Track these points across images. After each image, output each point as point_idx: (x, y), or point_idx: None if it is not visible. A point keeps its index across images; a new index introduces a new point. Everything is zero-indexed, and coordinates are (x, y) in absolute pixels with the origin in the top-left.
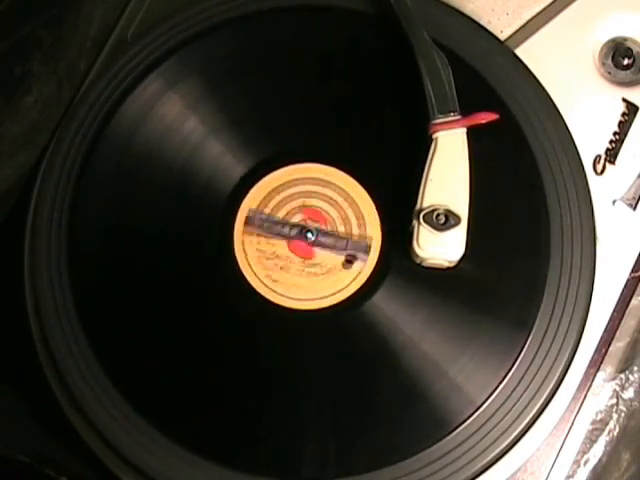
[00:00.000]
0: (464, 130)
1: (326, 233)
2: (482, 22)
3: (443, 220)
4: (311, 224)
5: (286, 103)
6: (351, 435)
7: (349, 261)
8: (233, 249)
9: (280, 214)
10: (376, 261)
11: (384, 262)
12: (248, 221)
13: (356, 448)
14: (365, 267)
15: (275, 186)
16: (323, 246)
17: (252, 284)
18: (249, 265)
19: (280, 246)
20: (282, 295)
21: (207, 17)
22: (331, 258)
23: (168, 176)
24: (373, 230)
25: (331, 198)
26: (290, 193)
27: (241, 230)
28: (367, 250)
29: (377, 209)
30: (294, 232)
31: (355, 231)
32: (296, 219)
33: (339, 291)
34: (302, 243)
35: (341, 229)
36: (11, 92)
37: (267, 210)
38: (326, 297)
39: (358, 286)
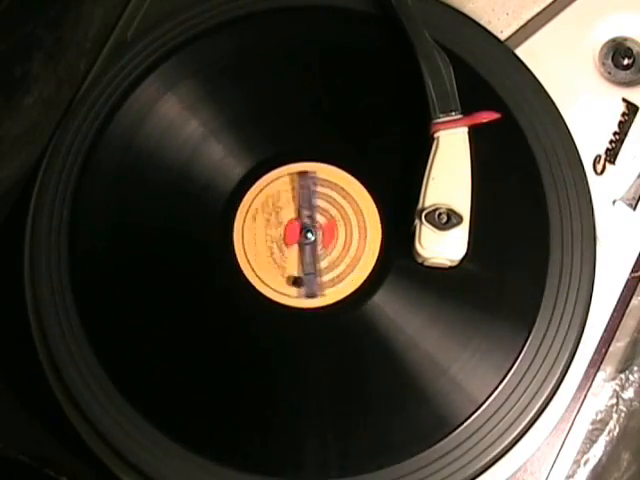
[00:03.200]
0: (465, 129)
1: (315, 251)
2: (482, 22)
3: (445, 219)
4: (319, 234)
5: (286, 103)
6: (351, 435)
7: (295, 282)
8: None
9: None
10: (376, 261)
11: (385, 261)
12: (303, 174)
13: (356, 448)
14: (294, 299)
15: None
16: (301, 252)
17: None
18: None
19: (288, 211)
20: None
21: (207, 18)
22: (292, 263)
23: (168, 176)
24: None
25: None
26: (328, 194)
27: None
28: (311, 295)
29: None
30: (305, 220)
31: (327, 277)
32: (319, 219)
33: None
34: (297, 231)
35: (323, 263)
36: (11, 92)
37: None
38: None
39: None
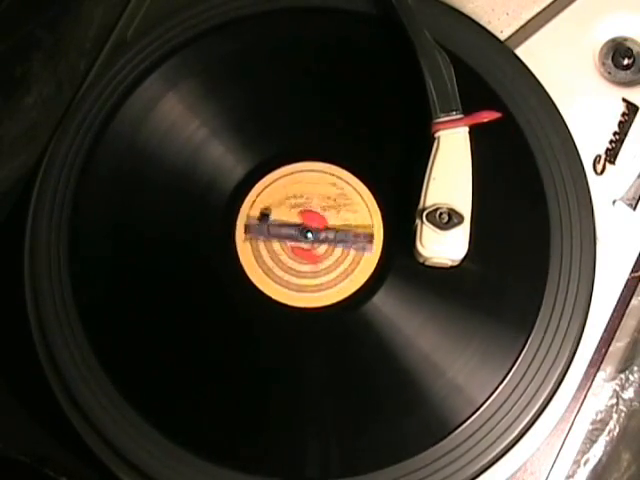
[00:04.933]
0: (466, 129)
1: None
2: (482, 22)
3: (446, 219)
4: (310, 224)
5: (287, 103)
6: (351, 435)
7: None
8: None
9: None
10: (377, 261)
11: (385, 262)
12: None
13: (356, 448)
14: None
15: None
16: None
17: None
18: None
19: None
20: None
21: (207, 18)
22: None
23: (168, 176)
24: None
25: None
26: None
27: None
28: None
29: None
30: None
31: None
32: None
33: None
34: (305, 247)
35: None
36: (11, 92)
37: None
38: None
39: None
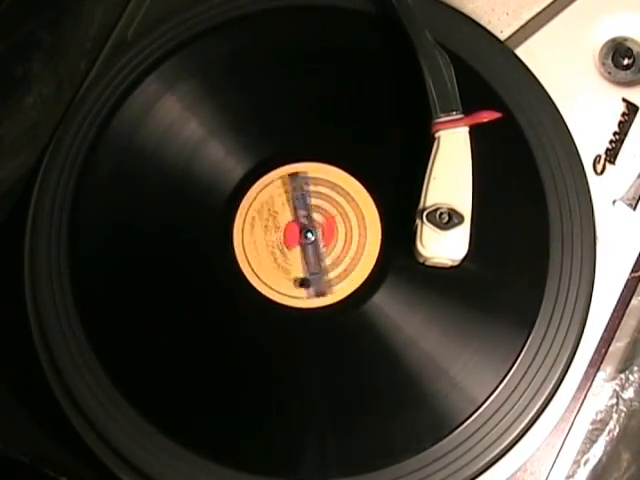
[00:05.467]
0: (466, 129)
1: (317, 250)
2: (482, 22)
3: (446, 219)
4: (319, 233)
5: (286, 103)
6: (351, 435)
7: (302, 284)
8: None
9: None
10: (376, 260)
11: (385, 261)
12: (294, 176)
13: (356, 448)
14: (304, 300)
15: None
16: (304, 253)
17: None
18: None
19: (285, 215)
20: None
21: (207, 18)
22: (297, 265)
23: (168, 176)
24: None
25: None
26: (323, 191)
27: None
28: (320, 294)
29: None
30: (303, 221)
31: (332, 274)
32: (317, 218)
33: (289, 297)
34: (297, 233)
35: (328, 260)
36: (11, 92)
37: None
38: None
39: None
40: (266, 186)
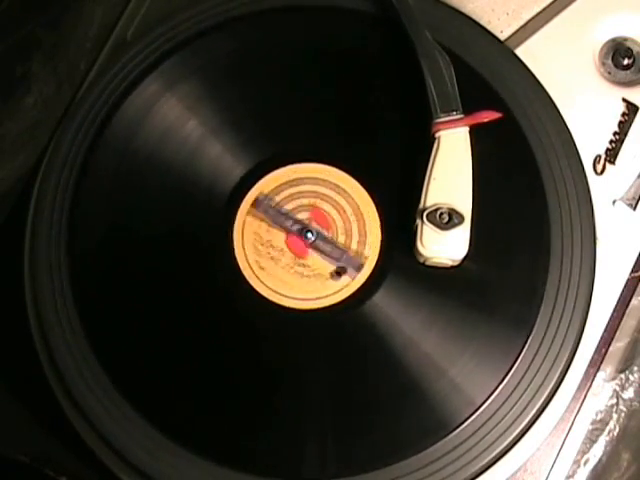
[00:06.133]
0: (467, 129)
1: (325, 239)
2: (482, 22)
3: (447, 219)
4: (314, 225)
5: (286, 103)
6: (351, 435)
7: (338, 273)
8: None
9: (288, 207)
10: (376, 261)
11: (384, 262)
12: (256, 204)
13: (356, 448)
14: (353, 282)
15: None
16: (319, 250)
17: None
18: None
19: (278, 236)
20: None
21: (207, 17)
22: (322, 264)
23: (168, 176)
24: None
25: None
26: (290, 193)
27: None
28: (359, 268)
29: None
30: (295, 228)
31: (354, 245)
32: (302, 216)
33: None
34: (300, 241)
35: (341, 238)
36: (11, 92)
37: (276, 199)
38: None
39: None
40: (244, 227)
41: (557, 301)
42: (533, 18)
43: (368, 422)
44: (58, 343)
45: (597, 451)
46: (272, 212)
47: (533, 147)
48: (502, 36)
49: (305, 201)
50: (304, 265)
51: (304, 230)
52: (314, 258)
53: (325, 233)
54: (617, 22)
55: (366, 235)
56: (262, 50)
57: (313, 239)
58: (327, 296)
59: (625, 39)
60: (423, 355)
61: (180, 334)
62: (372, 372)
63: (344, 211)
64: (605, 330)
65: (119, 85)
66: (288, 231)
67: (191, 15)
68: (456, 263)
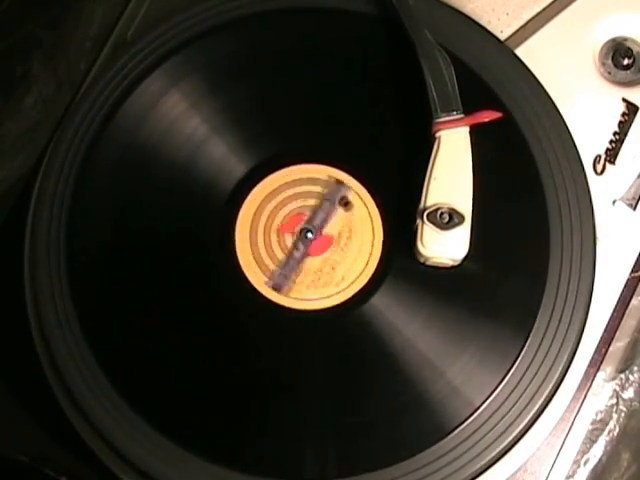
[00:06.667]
0: (467, 129)
1: (315, 217)
2: (482, 22)
3: (447, 219)
4: (302, 225)
5: (288, 102)
6: (351, 436)
7: (346, 203)
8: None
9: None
10: (377, 262)
11: (384, 263)
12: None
13: (356, 449)
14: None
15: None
16: (325, 222)
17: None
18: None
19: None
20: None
21: (207, 18)
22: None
23: (168, 177)
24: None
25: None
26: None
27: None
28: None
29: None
30: (301, 246)
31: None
32: (288, 240)
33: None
34: (297, 223)
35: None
36: (11, 92)
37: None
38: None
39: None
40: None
41: (557, 301)
42: (533, 18)
43: (368, 423)
44: (58, 343)
45: (597, 451)
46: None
47: (533, 147)
48: (502, 36)
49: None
50: (282, 248)
51: (309, 229)
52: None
53: (309, 250)
54: (617, 22)
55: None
56: (262, 50)
57: (301, 239)
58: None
59: (625, 39)
60: (422, 356)
61: (180, 334)
62: (372, 373)
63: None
64: (605, 330)
65: (119, 85)
66: (303, 254)
67: (191, 15)
68: (456, 263)
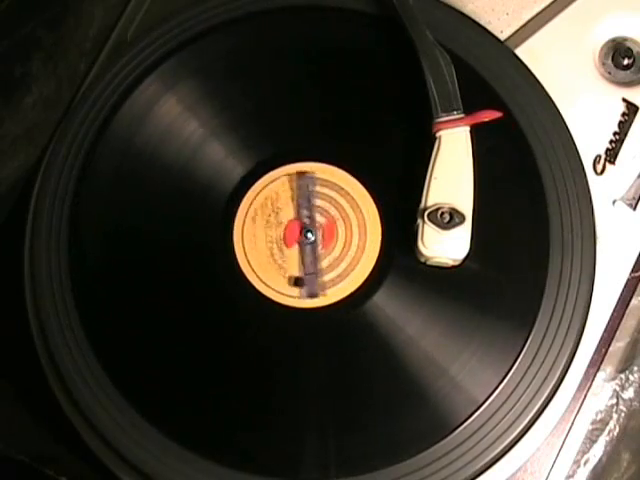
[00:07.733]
0: (467, 128)
1: (314, 250)
2: (482, 22)
3: (448, 218)
4: (319, 233)
5: (286, 103)
6: (351, 435)
7: (296, 282)
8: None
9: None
10: (377, 260)
11: (385, 261)
12: (300, 176)
13: (356, 448)
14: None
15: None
16: (301, 252)
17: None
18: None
19: (288, 211)
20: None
21: (207, 18)
22: (294, 262)
23: (168, 176)
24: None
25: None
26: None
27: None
28: (312, 295)
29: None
30: (306, 219)
31: (330, 275)
32: (319, 219)
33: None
34: (297, 231)
35: (334, 253)
36: (11, 92)
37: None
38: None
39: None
40: (272, 181)
41: (557, 301)
42: (533, 18)
43: (368, 422)
44: (58, 343)
45: (597, 451)
46: (305, 192)
47: (533, 147)
48: (502, 36)
49: (331, 210)
50: (281, 250)
51: (308, 229)
52: (293, 253)
53: (320, 248)
54: (617, 22)
55: (347, 276)
56: (262, 50)
57: (307, 242)
58: (328, 295)
59: (625, 39)
60: (423, 354)
61: (180, 334)
62: (373, 371)
63: (336, 201)
64: (605, 330)
65: (119, 85)
66: (298, 217)
67: (191, 15)
68: (457, 263)
